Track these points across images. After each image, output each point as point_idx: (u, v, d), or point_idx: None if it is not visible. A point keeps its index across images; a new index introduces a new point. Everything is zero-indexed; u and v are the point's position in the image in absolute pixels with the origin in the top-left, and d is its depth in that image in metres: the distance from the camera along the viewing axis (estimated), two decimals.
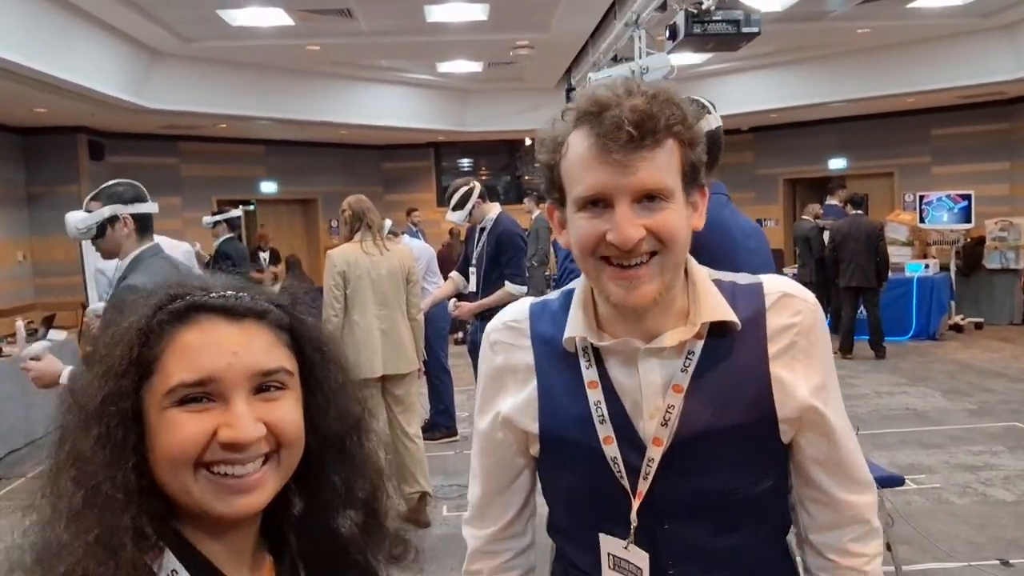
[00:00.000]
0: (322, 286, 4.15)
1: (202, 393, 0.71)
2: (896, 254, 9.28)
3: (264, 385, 0.74)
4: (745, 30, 4.75)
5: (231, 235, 7.00)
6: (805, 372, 1.04)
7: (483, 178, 13.81)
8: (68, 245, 8.64)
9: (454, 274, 5.02)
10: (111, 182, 2.94)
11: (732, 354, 1.03)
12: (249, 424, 0.71)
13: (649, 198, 0.95)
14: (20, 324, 6.31)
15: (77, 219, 2.81)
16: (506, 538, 1.21)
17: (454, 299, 4.96)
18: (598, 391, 1.04)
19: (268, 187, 12.28)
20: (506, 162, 13.88)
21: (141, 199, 2.85)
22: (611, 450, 1.03)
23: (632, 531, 1.04)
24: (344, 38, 8.14)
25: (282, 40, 8.03)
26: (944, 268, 9.84)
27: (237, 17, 7.27)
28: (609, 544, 1.08)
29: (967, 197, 9.98)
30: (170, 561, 0.71)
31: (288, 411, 0.75)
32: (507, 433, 1.13)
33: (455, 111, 11.65)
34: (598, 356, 1.05)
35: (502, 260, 4.67)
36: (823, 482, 1.09)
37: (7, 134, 9.20)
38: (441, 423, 6.03)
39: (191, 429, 0.70)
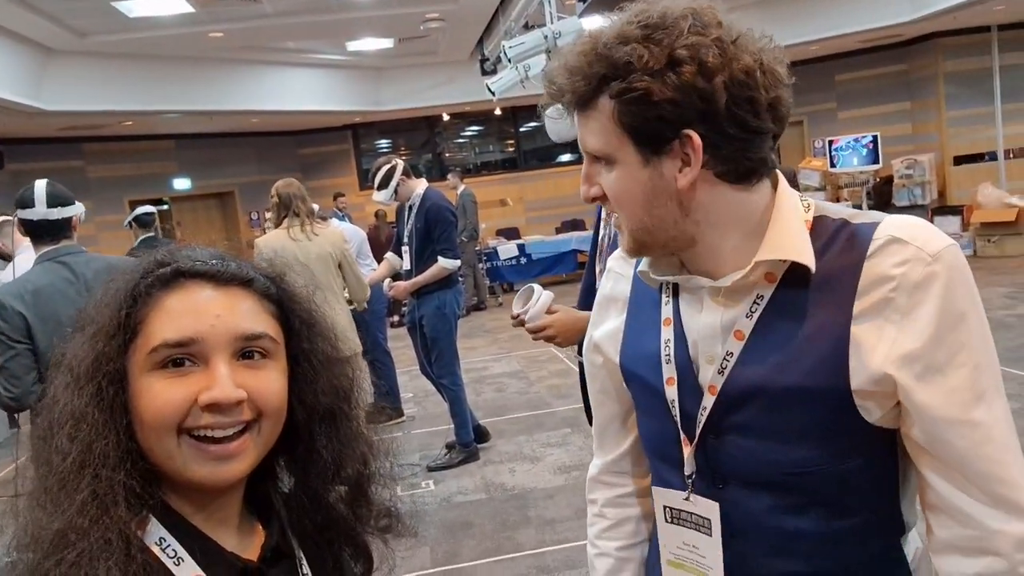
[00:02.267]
0: None
1: (184, 355, 0.72)
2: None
3: (247, 351, 0.75)
4: None
5: (147, 234, 6.60)
6: (896, 336, 0.85)
7: (404, 156, 13.48)
8: None
9: (389, 255, 4.98)
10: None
11: (808, 305, 0.89)
12: (229, 385, 0.72)
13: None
14: None
15: None
16: (622, 471, 1.18)
17: (388, 279, 4.93)
18: (670, 329, 0.99)
19: (182, 183, 11.88)
20: (426, 138, 13.76)
21: (23, 204, 2.79)
22: (671, 392, 0.98)
23: (690, 483, 0.99)
24: (248, 22, 7.89)
25: (184, 28, 7.74)
26: (857, 208, 10.23)
27: (134, 8, 6.96)
28: (665, 496, 1.03)
29: (874, 138, 10.37)
30: (156, 528, 0.72)
31: (270, 380, 0.76)
32: (602, 359, 1.13)
33: (370, 90, 11.46)
34: (677, 293, 1.00)
35: (433, 236, 4.65)
36: (939, 486, 0.89)
37: None
38: (386, 405, 5.98)
39: (173, 393, 0.71)
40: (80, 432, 0.69)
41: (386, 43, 9.86)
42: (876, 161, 10.38)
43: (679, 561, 1.04)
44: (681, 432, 0.98)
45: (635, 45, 0.85)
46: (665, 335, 0.99)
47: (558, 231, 12.80)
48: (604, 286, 1.14)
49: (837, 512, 0.92)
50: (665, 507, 1.03)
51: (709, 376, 0.95)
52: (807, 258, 0.89)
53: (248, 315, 0.76)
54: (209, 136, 11.59)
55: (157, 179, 11.53)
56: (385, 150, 13.31)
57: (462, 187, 10.65)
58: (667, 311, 1.00)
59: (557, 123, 2.27)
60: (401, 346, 6.39)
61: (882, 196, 10.61)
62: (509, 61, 6.43)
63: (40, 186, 2.85)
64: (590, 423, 2.31)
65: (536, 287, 2.20)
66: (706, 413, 0.95)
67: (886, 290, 0.86)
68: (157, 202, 10.09)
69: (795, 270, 0.90)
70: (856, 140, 10.44)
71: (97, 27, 7.44)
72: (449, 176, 11.05)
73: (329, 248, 4.09)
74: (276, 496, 0.85)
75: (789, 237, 0.91)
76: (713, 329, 0.95)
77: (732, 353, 0.93)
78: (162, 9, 7.11)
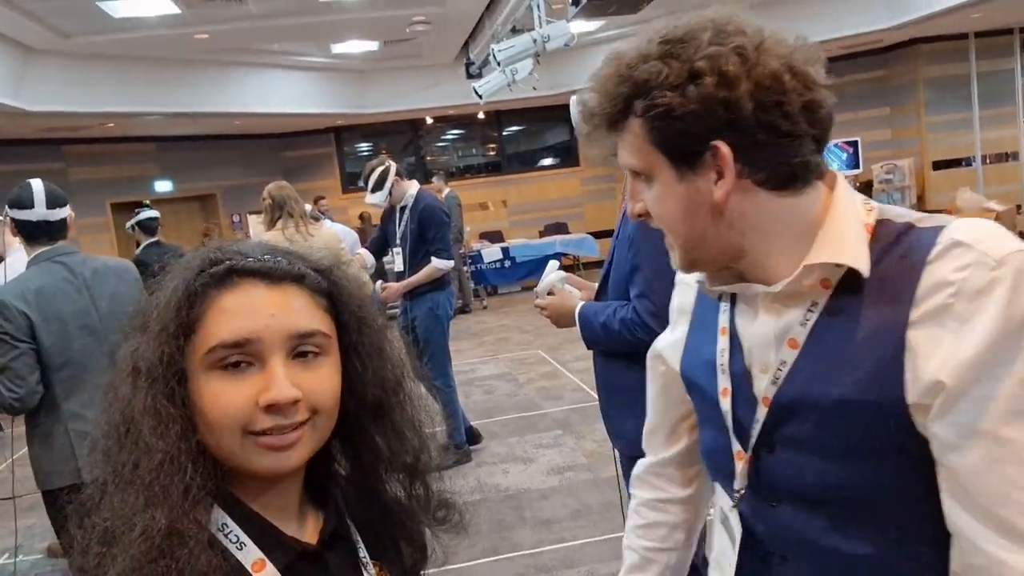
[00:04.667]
0: None
1: (241, 356, 0.73)
2: None
3: (302, 349, 0.76)
4: None
5: (151, 240, 6.39)
6: (952, 344, 0.79)
7: None
8: None
9: (361, 250, 4.96)
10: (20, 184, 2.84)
11: (864, 312, 0.85)
12: (286, 385, 0.72)
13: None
14: None
15: None
16: (665, 476, 1.20)
17: (380, 281, 4.91)
18: (726, 338, 0.98)
19: (163, 186, 11.77)
20: (409, 141, 13.73)
21: (19, 204, 2.75)
22: (725, 403, 0.97)
23: (737, 496, 0.97)
24: (234, 23, 7.85)
25: (169, 30, 7.68)
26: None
27: (119, 8, 6.90)
28: (723, 498, 1.04)
29: (854, 144, 10.50)
30: (219, 515, 0.73)
31: (325, 378, 0.77)
32: (663, 367, 1.16)
33: (354, 93, 11.42)
34: (736, 301, 0.99)
35: (428, 236, 4.65)
36: (952, 511, 0.82)
37: None
38: None
39: (234, 395, 0.72)
40: (164, 430, 0.70)
41: (371, 45, 9.84)
42: (857, 166, 10.51)
43: (718, 565, 1.06)
44: (734, 445, 0.96)
45: (655, 62, 0.86)
46: (721, 344, 0.99)
47: (541, 234, 12.83)
48: (674, 299, 1.15)
49: (898, 540, 0.86)
50: (720, 508, 1.05)
51: (763, 386, 0.92)
52: (859, 262, 0.86)
53: (301, 312, 0.76)
54: (192, 138, 11.50)
55: (139, 181, 11.42)
56: (368, 153, 13.27)
57: (447, 190, 10.65)
58: (724, 319, 0.99)
59: None
60: None
61: None
62: (498, 64, 6.45)
63: (38, 186, 2.81)
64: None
65: (551, 264, 2.29)
66: (759, 426, 0.92)
67: (945, 296, 0.81)
68: (139, 205, 9.97)
69: (851, 276, 0.86)
70: (836, 145, 10.57)
71: (81, 27, 7.36)
72: (434, 179, 11.05)
73: (325, 249, 4.07)
74: (333, 482, 0.86)
75: (842, 241, 0.87)
76: (767, 337, 0.93)
77: (785, 362, 0.90)
78: (147, 10, 7.05)
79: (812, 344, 0.89)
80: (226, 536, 0.73)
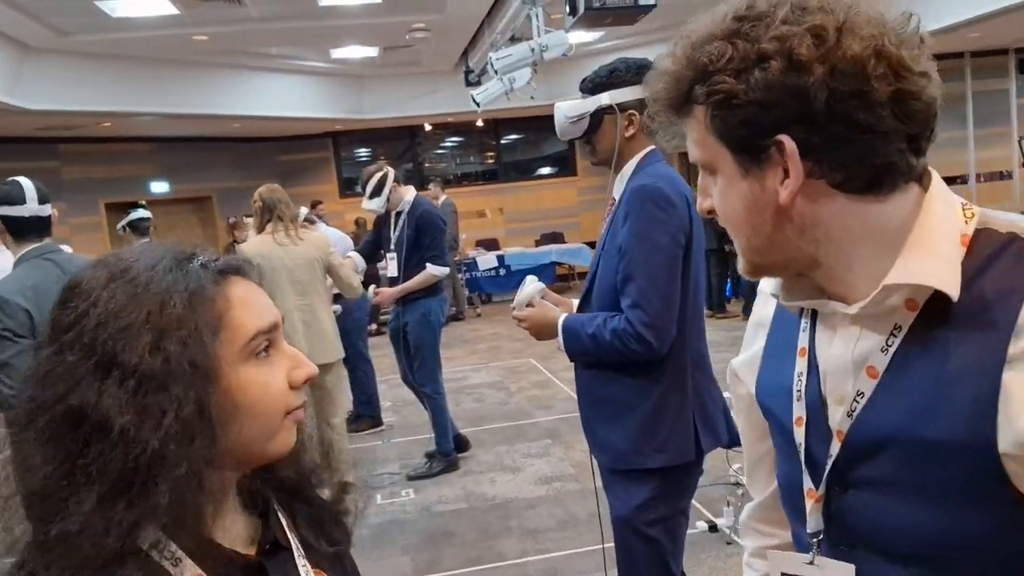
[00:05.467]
0: None
1: (269, 341, 0.75)
2: None
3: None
4: (642, 2, 4.84)
5: (143, 241, 6.40)
6: None
7: None
8: None
9: (352, 254, 4.95)
10: (3, 181, 2.82)
11: (954, 340, 0.75)
12: (309, 361, 0.78)
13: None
14: None
15: None
16: (773, 520, 1.04)
17: (373, 285, 4.90)
18: (804, 360, 0.87)
19: (159, 187, 11.76)
20: (406, 148, 13.74)
21: (10, 201, 2.74)
22: (800, 434, 0.87)
23: (815, 543, 0.86)
24: (233, 25, 7.85)
25: (167, 30, 7.67)
26: None
27: (117, 7, 6.90)
28: (782, 562, 0.91)
29: None
30: (152, 531, 0.71)
31: None
32: (743, 389, 1.02)
33: (352, 98, 11.43)
34: (816, 318, 0.88)
35: (423, 243, 4.64)
36: None
37: None
38: (365, 414, 5.96)
39: (276, 380, 0.75)
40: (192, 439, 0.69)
41: (371, 51, 9.85)
42: None
43: None
44: (805, 482, 0.86)
45: (720, 42, 0.76)
46: (799, 367, 0.88)
47: (537, 243, 12.84)
48: (755, 310, 1.02)
49: None
50: (782, 574, 0.91)
51: (838, 418, 0.82)
52: (947, 283, 0.74)
53: None
54: (189, 140, 11.49)
55: (134, 182, 11.40)
56: (365, 159, 13.27)
57: (443, 197, 10.64)
58: (803, 339, 0.88)
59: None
60: (380, 355, 6.36)
61: None
62: (496, 72, 6.46)
63: (27, 183, 2.81)
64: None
65: (529, 278, 2.26)
66: (831, 462, 0.83)
67: None
68: (134, 205, 9.94)
69: (941, 297, 0.75)
70: None
71: (79, 26, 7.35)
72: (431, 186, 11.04)
73: (315, 252, 4.07)
74: (269, 490, 0.84)
75: (930, 256, 0.76)
76: (844, 363, 0.82)
77: (863, 393, 0.80)
78: (146, 10, 7.05)
79: (893, 374, 0.78)
80: (161, 553, 0.70)
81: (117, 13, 7.03)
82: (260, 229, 4.01)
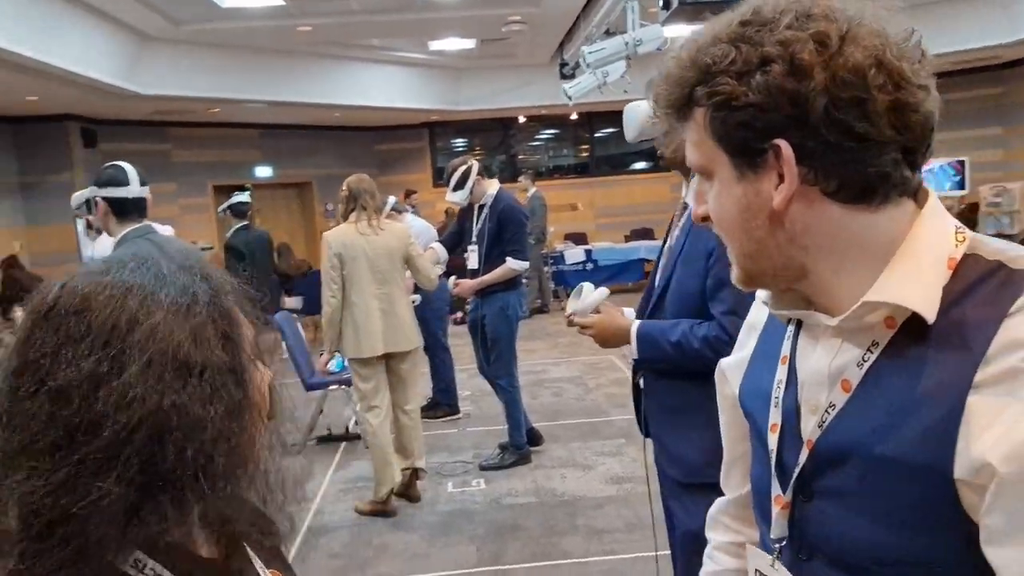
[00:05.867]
0: (319, 269, 4.16)
1: None
2: None
3: None
4: None
5: (240, 224, 6.60)
6: (1015, 419, 0.69)
7: (478, 157, 13.58)
8: (64, 234, 8.61)
9: (435, 245, 5.02)
10: (105, 164, 2.99)
11: (927, 362, 0.75)
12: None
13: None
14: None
15: (72, 198, 3.03)
16: (742, 517, 1.07)
17: (454, 276, 4.97)
18: (785, 368, 0.89)
19: (263, 171, 12.21)
20: (501, 140, 13.82)
21: (115, 182, 2.90)
22: (773, 440, 0.88)
23: (777, 548, 0.88)
24: (335, 17, 8.06)
25: (273, 21, 7.96)
26: None
27: None
28: (757, 559, 0.94)
29: (962, 164, 9.95)
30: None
31: None
32: (728, 389, 1.04)
33: (449, 90, 11.58)
34: (800, 327, 0.89)
35: (504, 237, 4.68)
36: None
37: None
38: (443, 402, 6.06)
39: (266, 376, 0.78)
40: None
41: (468, 43, 9.94)
42: (963, 187, 9.96)
43: None
44: (774, 488, 0.88)
45: (724, 45, 0.77)
46: (779, 374, 0.89)
47: (627, 239, 12.69)
48: (750, 313, 1.04)
49: None
50: (756, 570, 0.94)
51: (809, 428, 0.84)
52: (924, 305, 0.75)
53: None
54: (292, 127, 11.88)
55: (241, 166, 11.87)
56: (461, 149, 13.42)
57: (533, 189, 10.68)
58: (786, 347, 0.90)
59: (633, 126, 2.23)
60: (462, 344, 6.44)
61: (967, 223, 10.13)
62: (588, 66, 6.42)
63: (129, 167, 2.97)
64: (641, 432, 2.30)
65: (587, 285, 2.23)
66: (797, 470, 0.85)
67: (1017, 359, 0.69)
68: (240, 188, 10.39)
69: (919, 317, 0.76)
70: (944, 165, 10.05)
71: (191, 15, 7.71)
72: (521, 178, 11.08)
73: (395, 243, 4.15)
74: None
75: (911, 276, 0.76)
76: (821, 375, 0.83)
77: (835, 405, 0.81)
78: (254, 1, 7.33)
79: (865, 389, 0.79)
80: (141, 571, 0.70)
81: (227, 3, 7.33)
82: (344, 217, 4.12)
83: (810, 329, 0.87)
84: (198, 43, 8.52)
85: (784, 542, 0.88)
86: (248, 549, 0.82)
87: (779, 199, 0.78)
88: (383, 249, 4.09)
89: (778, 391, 0.89)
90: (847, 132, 0.75)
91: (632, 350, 2.12)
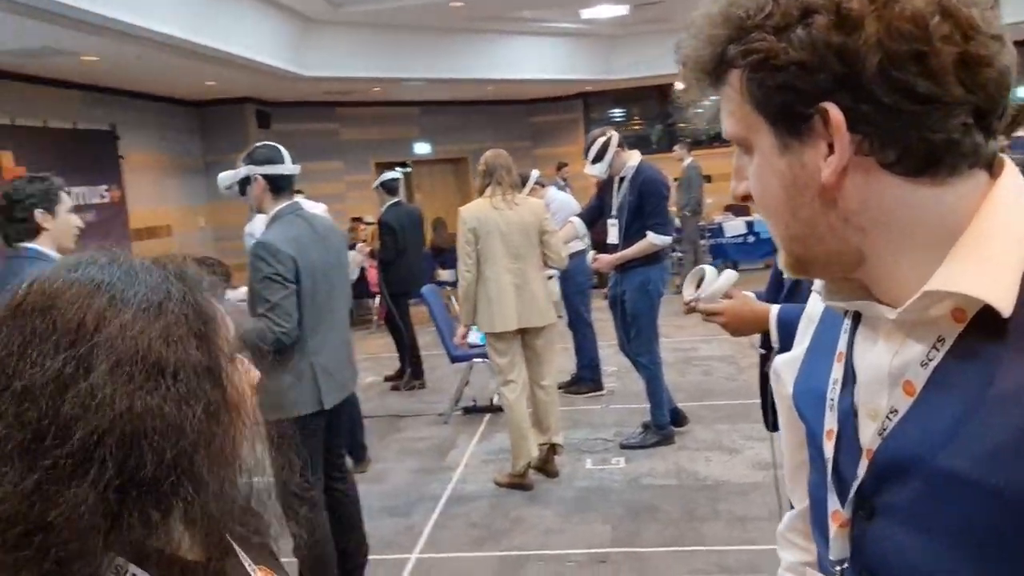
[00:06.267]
0: None
1: None
2: None
3: None
4: None
5: (393, 200, 6.80)
6: None
7: (635, 127, 13.47)
8: (241, 210, 9.27)
9: (574, 219, 4.92)
10: (255, 144, 3.13)
11: (1001, 363, 0.64)
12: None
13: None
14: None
15: (223, 177, 3.10)
16: (809, 534, 0.95)
17: (593, 251, 4.87)
18: (841, 366, 0.78)
19: (422, 148, 12.58)
20: (658, 109, 13.44)
21: (273, 160, 3.02)
22: (829, 448, 0.78)
23: (838, 572, 0.77)
24: None
25: None
26: None
27: None
28: None
29: None
30: (106, 559, 0.69)
31: None
32: (784, 390, 0.93)
33: (601, 59, 11.37)
34: (859, 320, 0.78)
35: (645, 210, 4.52)
36: None
37: (184, 108, 9.96)
38: (586, 378, 6.00)
39: (250, 378, 0.76)
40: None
41: (620, 10, 9.68)
42: None
43: None
44: (831, 502, 0.77)
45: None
46: (835, 373, 0.78)
47: None
48: (809, 302, 0.93)
49: None
50: None
51: (868, 436, 0.73)
52: (998, 296, 0.64)
53: None
54: (449, 103, 12.13)
55: (401, 143, 12.29)
56: (618, 119, 13.18)
57: (689, 159, 10.31)
58: (842, 342, 0.79)
59: None
60: (606, 319, 6.35)
61: None
62: None
63: (279, 146, 3.11)
64: (766, 427, 2.13)
65: (709, 268, 2.07)
66: (856, 483, 0.73)
67: None
68: (401, 165, 10.75)
69: (992, 310, 0.65)
70: None
71: None
72: (676, 147, 10.72)
73: (530, 217, 4.11)
74: None
75: (982, 262, 0.65)
76: (880, 375, 0.72)
77: (896, 411, 0.70)
78: None
79: (931, 393, 0.68)
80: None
81: None
82: (480, 192, 4.13)
83: (870, 322, 0.76)
84: (357, 24, 8.82)
85: (845, 565, 0.76)
86: (236, 547, 0.79)
87: (828, 172, 0.67)
88: (517, 224, 4.06)
89: (833, 392, 0.78)
90: (906, 93, 0.63)
91: (773, 338, 1.95)
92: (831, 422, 0.78)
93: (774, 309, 1.95)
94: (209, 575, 0.74)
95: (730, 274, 2.06)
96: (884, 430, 0.71)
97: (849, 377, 0.77)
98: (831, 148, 0.66)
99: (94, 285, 0.67)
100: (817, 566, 0.84)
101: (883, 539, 0.72)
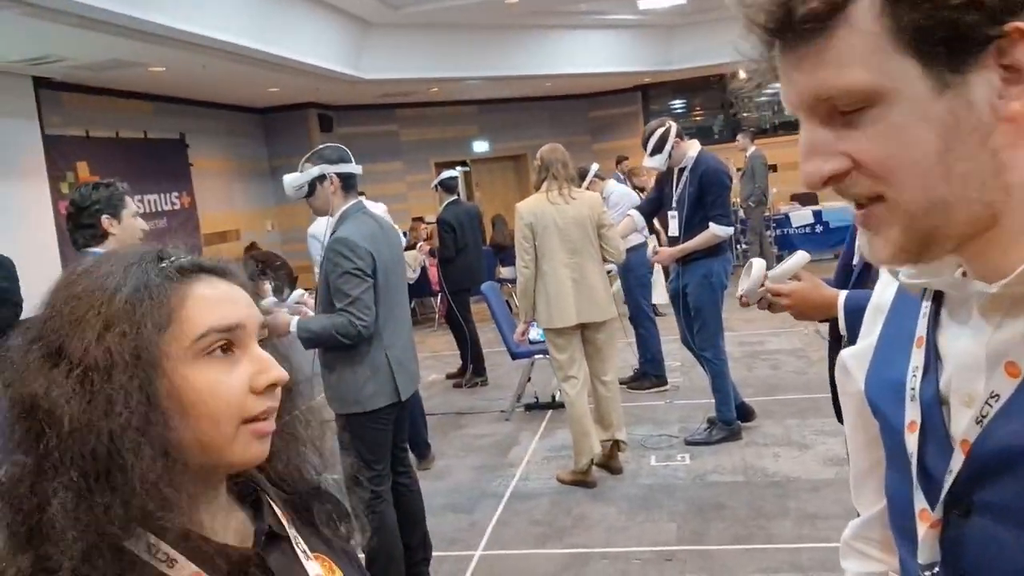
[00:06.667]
0: None
1: (229, 341, 0.74)
2: None
3: (261, 338, 0.78)
4: None
5: (451, 198, 6.83)
6: None
7: (697, 118, 13.25)
8: (305, 212, 9.47)
9: (632, 212, 4.84)
10: (321, 146, 3.19)
11: None
12: (278, 366, 0.75)
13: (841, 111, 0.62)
14: (268, 286, 7.01)
15: (292, 179, 3.12)
16: (879, 542, 0.91)
17: (654, 244, 4.79)
18: (922, 352, 0.71)
19: (480, 146, 12.63)
20: (721, 99, 13.18)
21: (345, 160, 3.09)
22: (912, 441, 0.71)
23: None
24: None
25: None
26: None
27: None
28: None
29: None
30: (144, 537, 0.71)
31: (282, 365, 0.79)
32: (852, 385, 0.87)
33: (660, 50, 11.20)
34: (941, 302, 0.72)
35: (707, 201, 4.43)
36: None
37: (250, 114, 10.21)
38: (650, 372, 5.92)
39: (231, 382, 0.73)
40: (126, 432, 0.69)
41: None
42: None
43: None
44: (917, 501, 0.70)
45: None
46: (915, 360, 0.71)
47: None
48: (875, 292, 0.87)
49: None
50: None
51: (963, 426, 0.66)
52: None
53: (254, 306, 0.80)
54: (506, 101, 12.15)
55: (460, 142, 12.36)
56: (680, 111, 12.99)
57: (752, 148, 10.08)
58: (922, 326, 0.72)
59: None
60: (670, 313, 6.25)
61: None
62: None
63: (343, 146, 3.18)
64: (838, 420, 2.05)
65: (757, 261, 2.00)
66: (951, 478, 0.67)
67: None
68: (461, 164, 10.80)
69: None
70: None
71: None
72: (739, 137, 10.50)
73: (587, 211, 4.06)
74: (263, 480, 0.84)
75: None
76: (975, 358, 0.66)
77: (998, 395, 0.63)
78: None
79: None
80: (154, 556, 0.70)
81: None
82: (537, 187, 4.10)
83: (956, 303, 0.69)
84: (414, 25, 8.90)
85: (936, 569, 0.69)
86: (294, 537, 0.80)
87: (1017, 106, 0.57)
88: (574, 218, 4.02)
89: (914, 381, 0.71)
90: None
91: (841, 326, 1.88)
92: (913, 413, 0.71)
93: (842, 295, 1.88)
94: (244, 560, 0.75)
95: (801, 255, 1.99)
96: (983, 417, 0.64)
97: (932, 364, 0.70)
98: (1006, 80, 0.57)
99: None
100: (900, 573, 0.79)
101: (982, 539, 0.65)
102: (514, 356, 5.54)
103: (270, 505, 0.82)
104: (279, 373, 0.74)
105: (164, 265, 0.75)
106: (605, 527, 3.85)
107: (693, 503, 3.98)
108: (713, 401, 4.76)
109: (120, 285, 0.72)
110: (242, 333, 0.75)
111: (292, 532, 0.81)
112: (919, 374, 0.71)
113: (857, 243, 1.92)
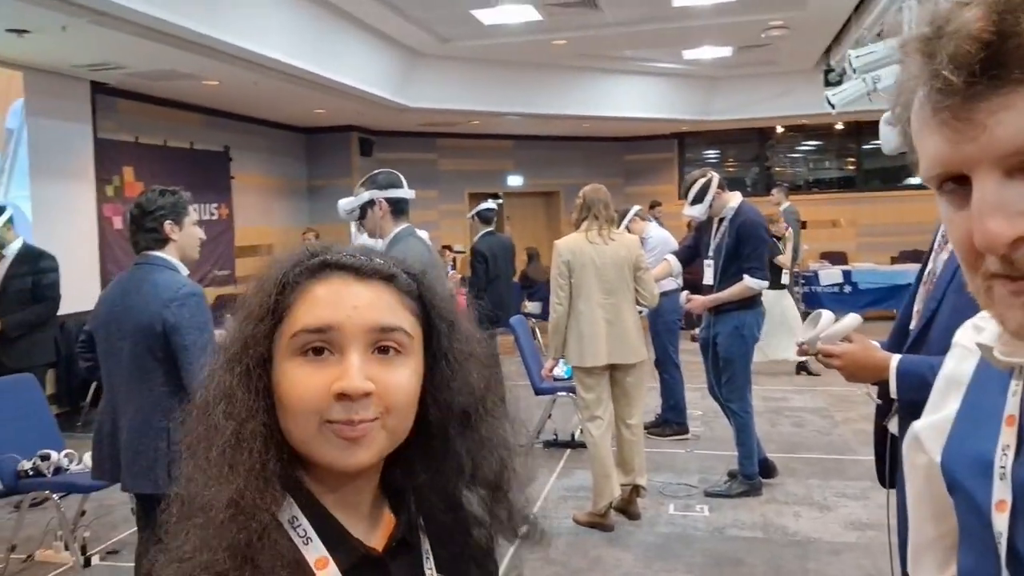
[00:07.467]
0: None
1: (322, 343, 0.74)
2: None
3: (383, 345, 0.76)
4: None
5: (486, 230, 6.86)
6: None
7: (731, 168, 13.28)
8: (341, 234, 9.58)
9: (669, 257, 4.85)
10: (375, 171, 3.28)
11: None
12: (359, 376, 0.73)
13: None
14: None
15: (345, 203, 3.27)
16: None
17: (687, 291, 4.80)
18: (1013, 431, 0.69)
19: (514, 180, 12.74)
20: (756, 152, 13.23)
21: (395, 185, 3.18)
22: (1001, 521, 0.68)
23: None
24: (590, 30, 8.18)
25: (530, 36, 8.25)
26: None
27: (489, 16, 7.58)
28: None
29: None
30: (290, 506, 0.74)
31: (400, 376, 0.76)
32: (923, 457, 0.85)
33: (701, 100, 11.29)
34: None
35: (743, 252, 4.43)
36: None
37: (293, 133, 10.40)
38: (671, 419, 5.88)
39: (312, 380, 0.73)
40: (233, 410, 0.73)
41: (724, 51, 9.63)
42: None
43: None
44: None
45: None
46: (1005, 438, 0.70)
47: (893, 261, 11.55)
48: (946, 365, 0.86)
49: None
50: None
51: None
52: None
53: (386, 309, 0.77)
54: (542, 138, 12.28)
55: (494, 175, 12.49)
56: (713, 160, 13.03)
57: (786, 203, 10.06)
58: (1013, 404, 0.70)
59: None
60: (695, 360, 6.22)
61: None
62: (854, 71, 5.92)
63: (398, 173, 3.29)
64: (881, 483, 2.03)
65: (826, 313, 2.00)
66: None
67: None
68: (493, 196, 10.90)
69: None
70: None
71: (457, 33, 8.22)
72: (774, 191, 10.49)
73: (624, 253, 4.08)
74: (409, 489, 0.85)
75: None
76: None
77: None
78: (513, 17, 7.64)
79: None
80: (294, 529, 0.73)
81: (488, 21, 7.71)
82: (577, 226, 4.13)
83: None
84: (461, 58, 9.06)
85: None
86: (425, 551, 0.82)
87: None
88: (611, 259, 4.04)
89: (1004, 459, 0.69)
90: None
91: (892, 390, 1.87)
92: (1002, 492, 0.69)
93: (895, 359, 1.86)
94: (368, 561, 0.77)
95: (853, 317, 1.99)
96: None
97: None
98: None
99: None
100: None
101: None
102: (537, 392, 5.53)
103: (410, 515, 0.83)
104: (351, 384, 0.72)
105: (302, 263, 0.78)
106: (621, 572, 3.81)
107: (711, 556, 3.93)
108: (734, 454, 4.71)
109: (268, 278, 0.77)
110: (337, 336, 0.74)
111: (426, 546, 0.82)
112: (1010, 453, 0.69)
113: (915, 307, 1.91)
